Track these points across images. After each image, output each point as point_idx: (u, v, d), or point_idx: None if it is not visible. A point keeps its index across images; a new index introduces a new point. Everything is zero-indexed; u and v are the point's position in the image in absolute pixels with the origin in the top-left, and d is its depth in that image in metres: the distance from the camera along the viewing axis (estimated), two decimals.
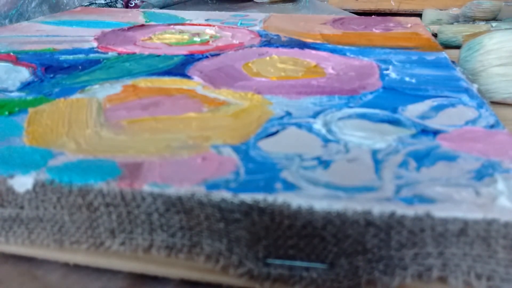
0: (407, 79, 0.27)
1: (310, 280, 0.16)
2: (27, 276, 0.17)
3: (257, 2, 0.71)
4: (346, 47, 0.35)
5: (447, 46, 0.45)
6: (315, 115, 0.22)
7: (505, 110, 0.30)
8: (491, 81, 0.30)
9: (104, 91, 0.25)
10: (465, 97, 0.24)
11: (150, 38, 0.38)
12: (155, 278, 0.17)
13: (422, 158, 0.18)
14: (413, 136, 0.20)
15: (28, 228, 0.17)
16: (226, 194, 0.15)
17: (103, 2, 0.58)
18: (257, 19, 0.47)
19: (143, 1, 0.57)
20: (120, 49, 0.34)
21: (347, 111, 0.22)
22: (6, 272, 0.17)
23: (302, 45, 0.35)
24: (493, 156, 0.18)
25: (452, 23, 0.51)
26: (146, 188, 0.16)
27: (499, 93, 0.30)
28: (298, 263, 0.16)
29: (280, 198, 0.15)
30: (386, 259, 0.15)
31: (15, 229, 0.17)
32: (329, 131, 0.20)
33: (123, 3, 0.59)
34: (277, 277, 0.16)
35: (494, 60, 0.30)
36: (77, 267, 0.17)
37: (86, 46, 0.35)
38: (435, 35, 0.46)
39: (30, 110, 0.22)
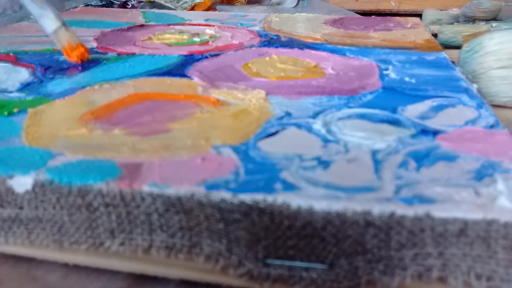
0: (406, 79, 0.27)
1: (310, 281, 0.16)
2: (27, 277, 0.17)
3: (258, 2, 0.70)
4: (346, 47, 0.34)
5: (447, 46, 0.45)
6: (315, 115, 0.22)
7: (505, 110, 0.30)
8: (491, 84, 0.30)
9: (103, 92, 0.25)
10: (464, 97, 0.24)
11: (150, 38, 0.38)
12: (155, 279, 0.17)
13: (422, 158, 0.18)
14: (413, 136, 0.20)
15: (28, 229, 0.17)
16: (225, 195, 0.15)
17: (100, 3, 0.58)
18: (257, 19, 0.47)
19: (140, 2, 0.57)
20: (120, 49, 0.34)
21: (346, 111, 0.22)
22: (5, 273, 0.17)
23: (302, 45, 0.35)
24: (493, 156, 0.18)
25: (452, 23, 0.51)
26: (146, 188, 0.16)
27: (500, 96, 0.30)
28: (298, 264, 0.16)
29: (280, 198, 0.15)
30: (386, 260, 0.15)
31: (14, 229, 0.17)
32: (329, 131, 0.20)
33: (119, 6, 0.59)
34: (276, 277, 0.16)
35: (494, 62, 0.30)
36: (77, 268, 0.17)
37: (86, 46, 0.35)
38: (435, 35, 0.46)
39: (30, 110, 0.22)
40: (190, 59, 0.31)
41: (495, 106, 0.30)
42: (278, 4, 0.68)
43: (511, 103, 0.30)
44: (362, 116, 0.22)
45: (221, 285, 0.16)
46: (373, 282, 0.15)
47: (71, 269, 0.17)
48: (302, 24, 0.44)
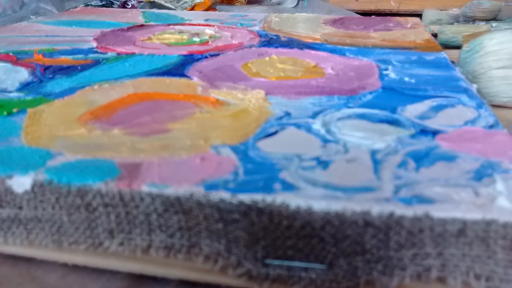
0: (406, 79, 0.27)
1: (309, 281, 0.16)
2: (26, 277, 0.17)
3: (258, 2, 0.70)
4: (346, 47, 0.34)
5: (447, 46, 0.45)
6: (314, 115, 0.22)
7: (505, 110, 0.30)
8: (491, 84, 0.30)
9: (103, 92, 0.25)
10: (464, 97, 0.24)
11: (150, 38, 0.38)
12: (154, 279, 0.17)
13: (421, 159, 0.18)
14: (412, 136, 0.20)
15: (27, 229, 0.17)
16: (224, 195, 0.15)
17: (100, 3, 0.58)
18: (256, 19, 0.47)
19: (140, 2, 0.57)
20: (120, 49, 0.34)
21: (346, 111, 0.22)
22: (5, 273, 0.17)
23: (302, 45, 0.35)
24: (492, 157, 0.18)
25: (452, 23, 0.51)
26: (145, 188, 0.16)
27: (500, 96, 0.30)
28: (297, 264, 0.16)
29: (279, 198, 0.15)
30: (385, 260, 0.15)
31: (13, 229, 0.17)
32: (328, 131, 0.20)
33: (120, 6, 0.59)
34: (275, 277, 0.16)
35: (494, 63, 0.30)
36: (76, 268, 0.17)
37: (86, 46, 0.35)
38: (435, 35, 0.46)
39: (29, 110, 0.22)
40: (189, 59, 0.31)
41: (495, 106, 0.30)
42: (278, 4, 0.68)
43: (511, 103, 0.30)
44: (361, 116, 0.22)
45: (220, 285, 0.16)
46: (372, 282, 0.15)
47: (71, 269, 0.17)
48: (302, 24, 0.44)
